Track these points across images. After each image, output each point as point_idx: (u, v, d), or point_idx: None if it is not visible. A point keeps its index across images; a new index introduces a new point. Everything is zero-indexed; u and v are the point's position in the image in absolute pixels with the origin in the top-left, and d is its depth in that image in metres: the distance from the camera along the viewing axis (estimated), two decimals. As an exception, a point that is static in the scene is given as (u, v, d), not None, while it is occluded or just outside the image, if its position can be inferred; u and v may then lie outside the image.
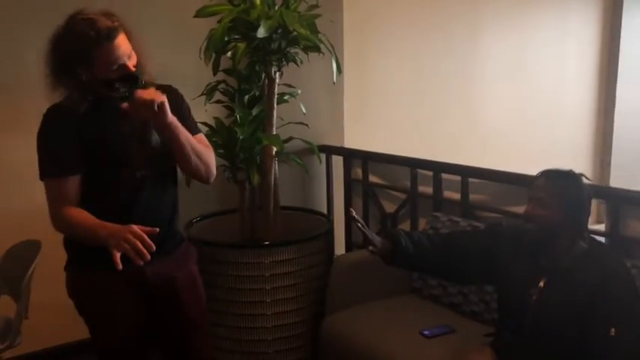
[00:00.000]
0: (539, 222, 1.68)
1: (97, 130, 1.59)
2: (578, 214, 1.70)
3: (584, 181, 1.72)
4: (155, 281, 1.68)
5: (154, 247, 1.44)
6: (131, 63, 1.55)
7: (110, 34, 1.50)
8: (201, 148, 1.69)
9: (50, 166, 1.58)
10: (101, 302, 1.66)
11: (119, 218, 1.52)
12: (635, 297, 1.64)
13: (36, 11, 2.48)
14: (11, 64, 2.49)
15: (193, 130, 1.78)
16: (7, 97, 2.52)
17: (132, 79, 1.55)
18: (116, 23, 1.53)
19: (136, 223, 1.48)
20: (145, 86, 1.62)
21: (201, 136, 1.78)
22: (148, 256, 1.43)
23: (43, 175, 1.59)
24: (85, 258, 1.66)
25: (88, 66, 1.53)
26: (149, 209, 1.65)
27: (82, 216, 1.56)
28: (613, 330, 1.54)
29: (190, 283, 1.79)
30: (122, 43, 1.53)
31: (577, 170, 1.75)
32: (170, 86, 1.76)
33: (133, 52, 1.56)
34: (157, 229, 1.48)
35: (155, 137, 1.65)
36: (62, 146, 1.57)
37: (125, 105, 1.52)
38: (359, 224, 1.80)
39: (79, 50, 1.50)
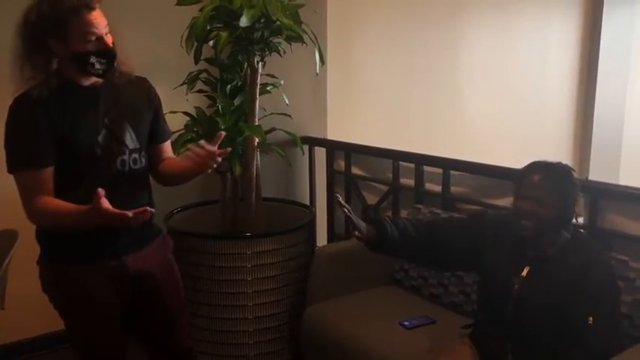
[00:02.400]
0: (537, 219, 1.67)
1: (68, 121, 1.52)
2: (571, 209, 1.71)
3: (575, 176, 1.73)
4: (134, 272, 1.65)
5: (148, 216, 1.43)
6: (108, 39, 1.50)
7: (90, 4, 1.45)
8: None
9: (22, 158, 1.51)
10: (78, 296, 1.62)
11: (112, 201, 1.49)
12: (613, 286, 1.67)
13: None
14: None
15: (167, 134, 1.78)
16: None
17: (108, 55, 1.49)
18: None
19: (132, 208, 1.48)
20: (121, 76, 1.58)
21: (169, 145, 1.79)
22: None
23: (15, 167, 1.52)
24: (59, 251, 1.61)
25: (63, 37, 1.46)
26: (125, 202, 1.58)
27: (61, 204, 1.51)
28: (590, 319, 1.57)
29: (168, 273, 1.78)
30: (101, 17, 1.48)
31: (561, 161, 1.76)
32: (146, 80, 1.72)
33: (110, 33, 1.51)
34: (148, 208, 1.44)
35: (130, 134, 1.61)
36: (34, 137, 1.50)
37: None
38: (345, 209, 1.78)
39: (54, 18, 1.44)
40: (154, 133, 1.72)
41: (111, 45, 1.50)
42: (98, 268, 1.61)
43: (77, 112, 1.53)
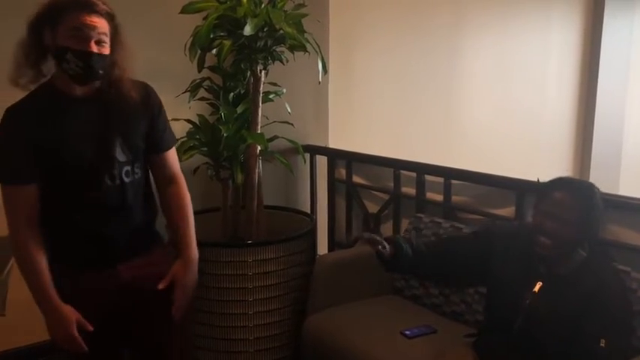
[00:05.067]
0: (556, 238, 1.64)
1: (56, 136, 1.48)
2: (593, 228, 1.68)
3: (601, 196, 1.68)
4: (130, 284, 1.60)
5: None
6: (98, 48, 1.45)
7: (92, 7, 1.43)
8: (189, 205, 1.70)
9: (4, 172, 1.49)
10: (75, 304, 1.56)
11: (95, 223, 1.51)
12: (626, 309, 1.65)
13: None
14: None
15: (166, 143, 1.69)
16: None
17: (87, 60, 1.43)
18: (105, 7, 1.46)
19: (112, 233, 1.54)
20: (118, 83, 1.52)
21: (174, 150, 1.72)
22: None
23: None
24: (58, 256, 1.56)
25: (54, 26, 1.43)
26: (121, 218, 1.58)
27: (41, 265, 1.50)
28: (603, 341, 1.54)
29: (150, 280, 1.66)
30: (100, 24, 1.44)
31: (554, 173, 1.75)
32: (146, 86, 1.66)
33: (107, 44, 1.47)
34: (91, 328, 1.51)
35: (120, 146, 1.56)
36: (16, 152, 1.46)
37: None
38: (379, 246, 1.75)
39: (55, 7, 1.43)
40: (152, 141, 1.65)
41: (95, 51, 1.44)
42: (92, 273, 1.58)
43: (65, 126, 1.50)
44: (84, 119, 1.51)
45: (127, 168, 1.58)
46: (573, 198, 1.65)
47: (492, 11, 3.92)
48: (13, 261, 1.98)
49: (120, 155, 1.56)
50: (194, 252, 1.67)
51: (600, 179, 4.32)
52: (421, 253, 1.85)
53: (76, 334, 1.49)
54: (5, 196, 1.50)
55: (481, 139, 3.90)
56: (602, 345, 1.54)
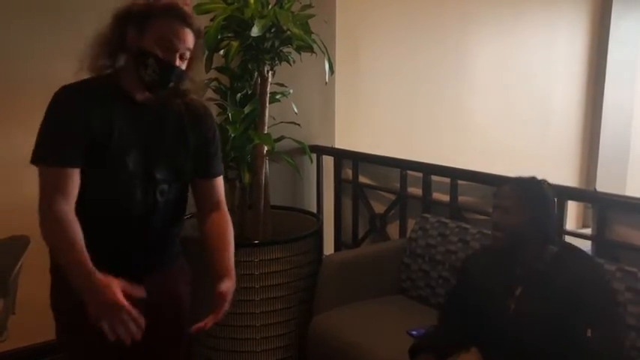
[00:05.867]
0: (507, 229, 1.70)
1: (106, 131, 1.40)
2: (544, 219, 1.72)
3: (548, 185, 1.76)
4: (152, 297, 1.46)
5: (143, 329, 1.30)
6: (181, 62, 1.41)
7: (184, 19, 1.39)
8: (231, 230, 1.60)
9: (48, 151, 1.37)
10: (80, 309, 1.39)
11: (115, 236, 1.42)
12: (609, 295, 1.67)
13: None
14: None
15: (214, 171, 1.60)
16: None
17: (167, 70, 1.39)
18: (196, 23, 1.43)
19: (129, 249, 1.44)
20: (183, 93, 1.48)
21: (222, 178, 1.63)
22: (139, 337, 1.29)
23: (39, 159, 1.38)
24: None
25: (142, 28, 1.38)
26: (140, 236, 1.49)
27: (78, 238, 1.33)
28: (589, 331, 1.56)
29: (172, 307, 1.61)
30: (188, 38, 1.41)
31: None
32: (206, 109, 1.58)
33: (189, 59, 1.43)
34: (143, 293, 1.32)
35: (162, 164, 1.48)
36: (67, 131, 1.36)
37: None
38: None
39: (147, 10, 1.39)
40: (202, 165, 1.57)
41: (176, 65, 1.40)
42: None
43: (115, 124, 1.41)
44: (138, 124, 1.44)
45: (164, 187, 1.49)
46: (512, 188, 1.74)
47: (499, 12, 3.92)
48: (22, 261, 2.00)
49: (160, 172, 1.48)
50: (231, 263, 1.57)
51: (607, 181, 4.33)
52: (448, 341, 1.84)
53: (124, 300, 1.29)
54: (42, 177, 1.37)
55: (488, 140, 3.90)
56: (589, 335, 1.56)
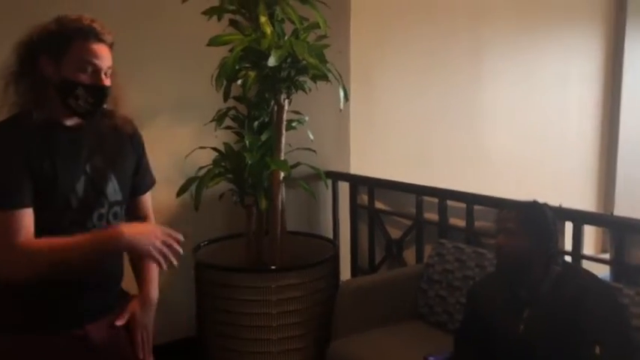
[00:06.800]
0: (510, 251, 1.74)
1: (46, 164, 1.32)
2: (546, 240, 1.75)
3: (548, 208, 1.80)
4: (97, 344, 1.42)
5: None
6: (107, 80, 1.35)
7: (99, 36, 1.32)
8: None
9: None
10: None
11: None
12: (615, 311, 1.67)
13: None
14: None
15: (147, 185, 1.57)
16: None
17: (99, 94, 1.33)
18: (109, 36, 1.35)
19: (80, 275, 1.33)
20: (112, 115, 1.42)
21: (149, 194, 1.58)
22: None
23: None
24: (15, 315, 1.36)
25: (58, 56, 1.30)
26: (105, 262, 1.40)
27: (54, 238, 1.28)
28: (597, 348, 1.56)
29: (119, 341, 1.52)
30: (107, 53, 1.34)
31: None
32: (131, 122, 1.50)
33: (112, 75, 1.36)
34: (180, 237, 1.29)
35: (113, 184, 1.42)
36: (11, 171, 1.28)
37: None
38: None
39: (58, 35, 1.30)
40: (134, 182, 1.51)
41: (106, 85, 1.34)
42: (58, 339, 1.38)
43: (56, 155, 1.33)
44: (77, 150, 1.37)
45: (116, 209, 1.44)
46: (513, 211, 1.80)
47: (513, 39, 3.96)
48: None
49: (112, 194, 1.42)
50: (155, 292, 1.55)
51: (625, 204, 4.29)
52: None
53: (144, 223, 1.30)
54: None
55: (503, 165, 3.89)
56: (597, 352, 1.56)
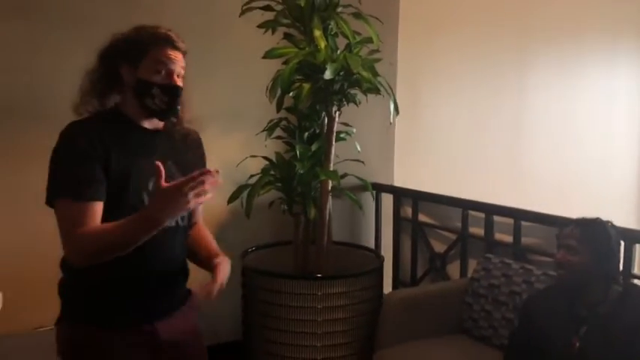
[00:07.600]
0: (570, 268, 1.75)
1: (122, 162, 1.39)
2: (608, 259, 1.76)
3: (612, 227, 1.79)
4: (165, 341, 1.47)
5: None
6: (180, 81, 1.44)
7: (174, 42, 1.42)
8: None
9: (70, 186, 1.32)
10: None
11: (130, 261, 1.34)
12: None
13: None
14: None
15: None
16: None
17: (172, 93, 1.41)
18: (183, 44, 1.44)
19: (150, 271, 1.40)
20: (176, 125, 1.49)
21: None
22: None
23: (59, 195, 1.33)
24: (84, 312, 1.43)
25: (135, 61, 1.40)
26: (161, 260, 1.46)
27: (105, 224, 1.33)
28: None
29: (196, 340, 1.59)
30: (180, 58, 1.43)
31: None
32: (198, 134, 1.60)
33: (182, 78, 1.45)
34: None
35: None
36: (88, 165, 1.34)
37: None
38: None
39: (135, 42, 1.40)
40: None
41: (179, 85, 1.43)
42: (128, 334, 1.43)
43: (132, 154, 1.41)
44: (153, 152, 1.43)
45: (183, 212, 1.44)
46: (577, 228, 1.78)
47: (559, 55, 3.95)
48: None
49: None
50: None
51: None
52: None
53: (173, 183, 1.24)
54: (65, 214, 1.33)
55: (546, 180, 3.87)
56: None
